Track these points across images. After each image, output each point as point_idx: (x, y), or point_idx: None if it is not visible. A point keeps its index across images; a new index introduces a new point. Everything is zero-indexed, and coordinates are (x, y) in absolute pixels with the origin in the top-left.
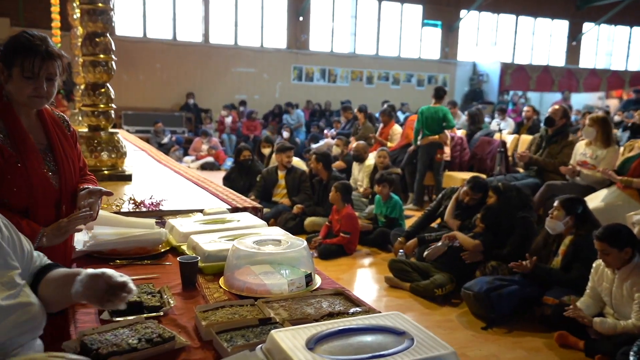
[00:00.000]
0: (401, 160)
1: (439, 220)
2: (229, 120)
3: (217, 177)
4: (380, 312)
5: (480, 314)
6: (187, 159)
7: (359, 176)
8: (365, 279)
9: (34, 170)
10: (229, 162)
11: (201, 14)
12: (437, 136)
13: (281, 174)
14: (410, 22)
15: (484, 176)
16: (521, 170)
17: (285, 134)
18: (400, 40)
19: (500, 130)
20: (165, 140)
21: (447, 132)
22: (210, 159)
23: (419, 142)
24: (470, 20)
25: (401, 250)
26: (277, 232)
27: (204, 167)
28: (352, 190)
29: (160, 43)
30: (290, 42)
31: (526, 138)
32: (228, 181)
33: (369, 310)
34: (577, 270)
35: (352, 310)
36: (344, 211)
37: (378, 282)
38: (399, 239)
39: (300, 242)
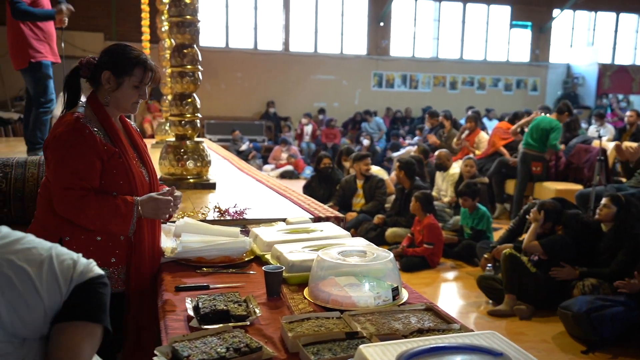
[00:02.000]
0: (488, 169)
1: (524, 236)
2: (308, 128)
3: (297, 185)
4: (472, 331)
5: (580, 336)
6: (266, 167)
7: (443, 185)
8: (451, 294)
9: (131, 164)
10: (308, 171)
11: (282, 23)
12: (546, 153)
13: (360, 182)
14: (497, 23)
15: (580, 187)
16: (624, 180)
17: (366, 142)
18: (487, 43)
19: (599, 137)
20: (244, 147)
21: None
22: (289, 167)
23: (520, 148)
24: (563, 19)
25: (489, 265)
26: (361, 243)
27: (284, 175)
28: (433, 200)
29: (242, 52)
30: (371, 49)
31: (629, 145)
32: (308, 190)
33: (461, 328)
34: None
35: (443, 327)
36: (425, 221)
37: (464, 298)
38: (484, 255)
39: (387, 254)
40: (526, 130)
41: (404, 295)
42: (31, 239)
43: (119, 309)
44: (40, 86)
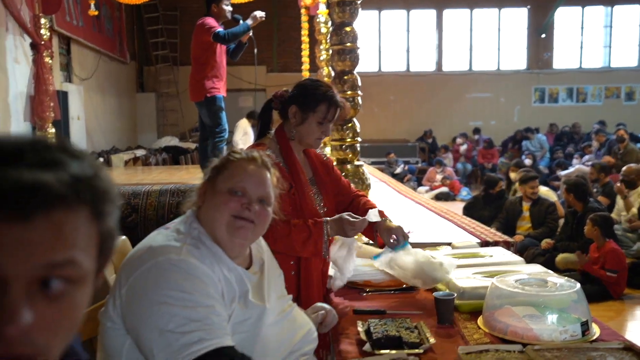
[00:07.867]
0: None
1: None
2: (463, 148)
3: (453, 207)
4: None
5: None
6: (421, 189)
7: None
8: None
9: (305, 201)
10: (464, 192)
11: (434, 43)
12: None
13: (526, 205)
14: None
15: None
16: None
17: (528, 162)
18: None
19: None
20: (399, 170)
21: None
22: (444, 189)
23: None
24: None
25: None
26: (538, 270)
27: (439, 197)
28: (613, 224)
29: (394, 75)
30: (531, 62)
31: None
32: (470, 210)
33: None
34: None
35: None
36: (606, 246)
37: None
38: None
39: (572, 284)
40: None
41: (595, 331)
42: None
43: None
44: (215, 118)
